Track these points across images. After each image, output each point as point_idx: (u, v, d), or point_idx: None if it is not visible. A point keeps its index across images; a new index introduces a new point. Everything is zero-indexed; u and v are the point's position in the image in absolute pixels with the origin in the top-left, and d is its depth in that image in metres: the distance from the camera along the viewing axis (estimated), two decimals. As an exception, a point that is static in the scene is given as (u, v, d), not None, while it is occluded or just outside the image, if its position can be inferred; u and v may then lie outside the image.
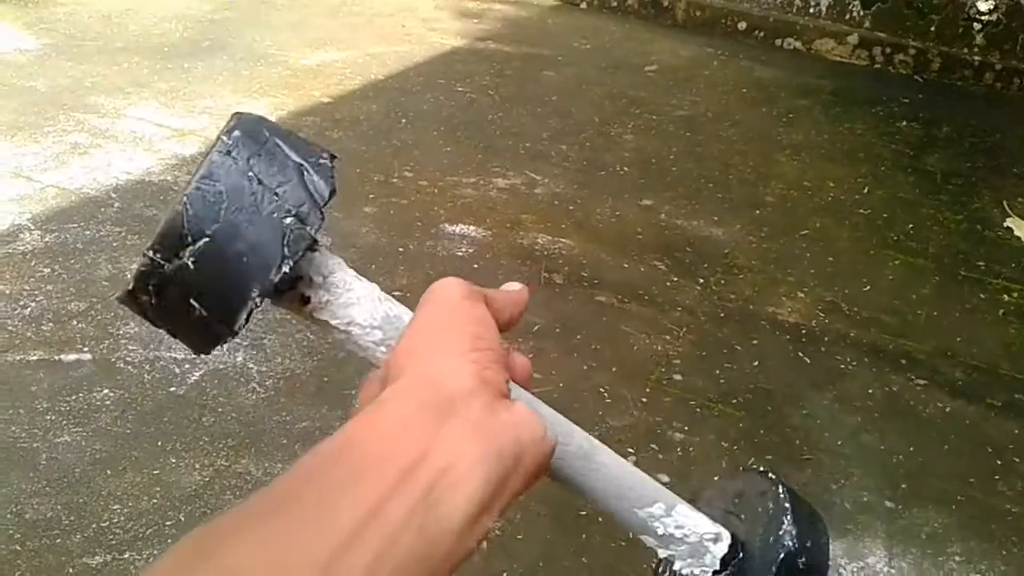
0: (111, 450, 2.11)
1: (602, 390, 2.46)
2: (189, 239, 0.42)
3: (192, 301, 0.43)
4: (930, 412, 2.52)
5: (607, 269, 3.07)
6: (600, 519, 2.03)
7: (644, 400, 2.45)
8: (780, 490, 0.57)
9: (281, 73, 4.47)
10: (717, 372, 2.60)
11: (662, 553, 0.57)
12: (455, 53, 5.09)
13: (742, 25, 5.93)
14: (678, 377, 2.56)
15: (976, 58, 5.47)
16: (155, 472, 2.06)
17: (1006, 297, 3.17)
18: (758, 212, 3.59)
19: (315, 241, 0.45)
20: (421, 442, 0.38)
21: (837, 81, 5.24)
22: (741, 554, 0.56)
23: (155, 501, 1.99)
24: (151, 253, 0.43)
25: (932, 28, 5.57)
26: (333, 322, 0.48)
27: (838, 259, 3.30)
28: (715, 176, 3.85)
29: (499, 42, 5.36)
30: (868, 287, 3.14)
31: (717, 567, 0.56)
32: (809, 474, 2.25)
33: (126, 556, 1.85)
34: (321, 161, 0.46)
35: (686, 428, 2.35)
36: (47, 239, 2.89)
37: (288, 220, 0.44)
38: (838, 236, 3.47)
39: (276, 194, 0.44)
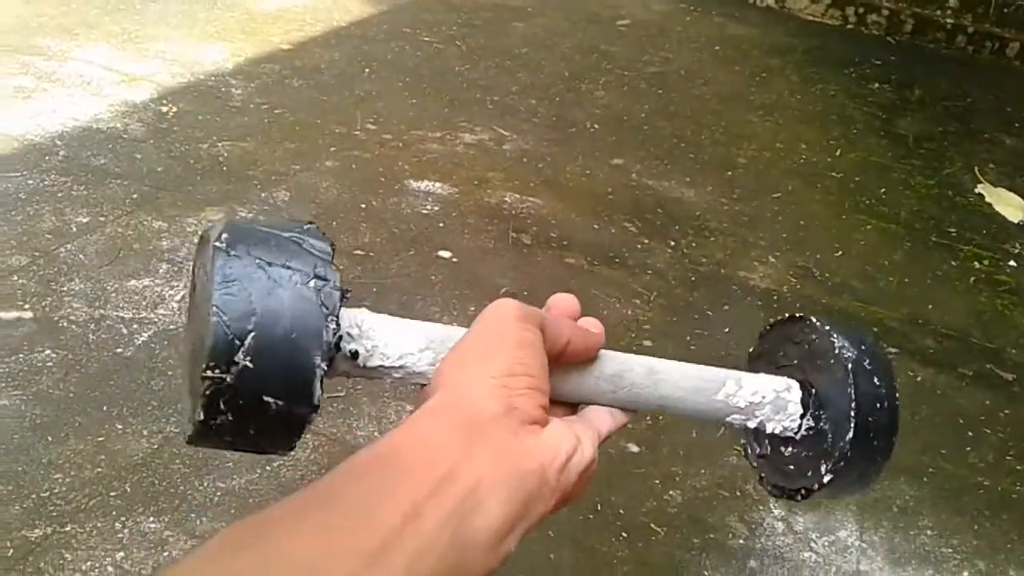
0: (53, 415, 1.99)
1: (570, 356, 2.38)
2: (236, 341, 0.42)
3: (265, 398, 0.43)
4: (902, 382, 2.46)
5: (576, 230, 2.98)
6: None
7: (613, 367, 2.37)
8: (814, 320, 0.61)
9: (239, 17, 4.28)
10: (688, 338, 2.54)
11: (752, 424, 0.61)
12: (422, 0, 4.92)
13: (715, -20, 5.79)
14: (648, 343, 2.49)
15: (948, 21, 5.41)
16: (100, 439, 1.95)
17: (977, 264, 3.14)
18: (730, 174, 3.52)
19: (345, 292, 0.47)
20: (452, 457, 0.41)
21: (810, 40, 5.15)
22: (814, 391, 0.60)
23: (100, 470, 1.88)
24: (209, 372, 0.42)
25: (906, -12, 5.49)
26: (387, 363, 0.49)
27: (810, 223, 3.25)
28: (687, 136, 3.76)
29: (467, -9, 5.19)
30: (840, 252, 3.09)
31: (801, 411, 0.60)
32: (780, 444, 2.20)
33: (68, 529, 1.75)
34: (307, 227, 0.48)
35: (656, 396, 2.29)
36: (-14, 188, 2.73)
37: (312, 283, 0.45)
38: (810, 199, 3.42)
39: (289, 267, 0.45)
